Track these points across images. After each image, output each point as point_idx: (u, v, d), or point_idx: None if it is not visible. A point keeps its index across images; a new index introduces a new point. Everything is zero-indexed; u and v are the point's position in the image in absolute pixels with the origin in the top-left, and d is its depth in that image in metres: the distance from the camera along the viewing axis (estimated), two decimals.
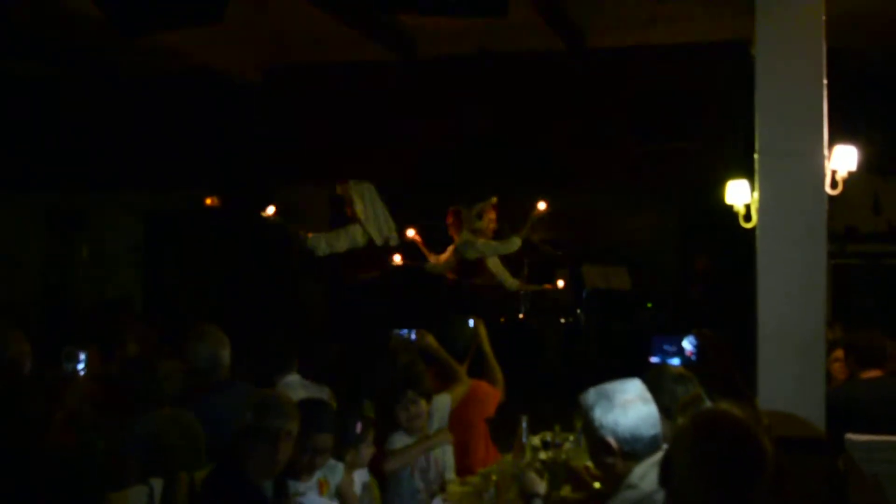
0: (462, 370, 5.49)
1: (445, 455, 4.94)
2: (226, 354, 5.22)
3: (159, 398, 4.69)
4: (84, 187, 12.48)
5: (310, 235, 8.63)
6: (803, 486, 4.58)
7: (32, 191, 12.59)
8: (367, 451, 4.39)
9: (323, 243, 8.64)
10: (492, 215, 8.84)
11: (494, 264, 8.74)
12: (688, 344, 3.87)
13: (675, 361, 4.03)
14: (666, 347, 4.04)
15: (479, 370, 5.73)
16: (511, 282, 8.78)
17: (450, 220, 9.73)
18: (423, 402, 4.73)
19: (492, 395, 5.59)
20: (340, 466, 4.23)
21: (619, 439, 3.18)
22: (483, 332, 5.89)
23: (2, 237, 12.63)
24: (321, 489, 4.10)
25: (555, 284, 8.61)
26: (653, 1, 6.57)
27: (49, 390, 4.28)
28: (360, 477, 4.43)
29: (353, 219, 8.71)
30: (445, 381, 5.29)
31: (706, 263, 10.38)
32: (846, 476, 4.86)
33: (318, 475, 4.11)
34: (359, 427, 4.33)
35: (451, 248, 8.96)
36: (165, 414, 4.61)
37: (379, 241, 8.72)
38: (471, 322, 5.88)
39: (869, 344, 5.72)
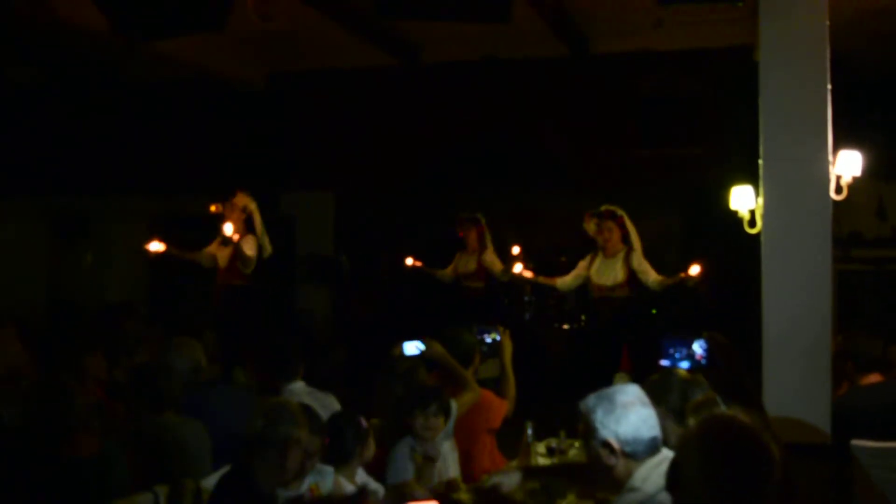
0: (472, 378, 5.47)
1: (447, 463, 4.93)
2: (202, 360, 5.33)
3: (171, 403, 4.72)
4: (88, 192, 12.51)
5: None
6: (809, 491, 4.58)
7: (37, 196, 12.61)
8: (372, 445, 4.41)
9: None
10: (604, 225, 8.67)
11: (639, 264, 8.64)
12: (698, 348, 3.86)
13: (685, 365, 4.03)
14: (676, 351, 4.03)
15: (496, 380, 5.72)
16: (654, 278, 8.67)
17: (468, 229, 9.77)
18: (441, 420, 4.73)
19: (497, 405, 5.56)
20: (330, 471, 4.20)
21: (620, 440, 3.22)
22: (508, 343, 5.87)
23: (6, 242, 12.65)
24: (312, 495, 4.08)
25: (688, 272, 8.47)
26: (656, 6, 6.57)
27: (55, 396, 4.27)
28: (361, 479, 4.41)
29: (250, 230, 8.80)
30: (452, 387, 5.28)
31: (707, 269, 10.35)
32: (852, 482, 4.85)
33: (308, 481, 4.08)
34: (363, 423, 4.35)
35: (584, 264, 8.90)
36: (169, 419, 4.61)
37: (265, 254, 8.78)
38: (497, 334, 5.87)
39: (868, 350, 5.70)
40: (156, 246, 8.62)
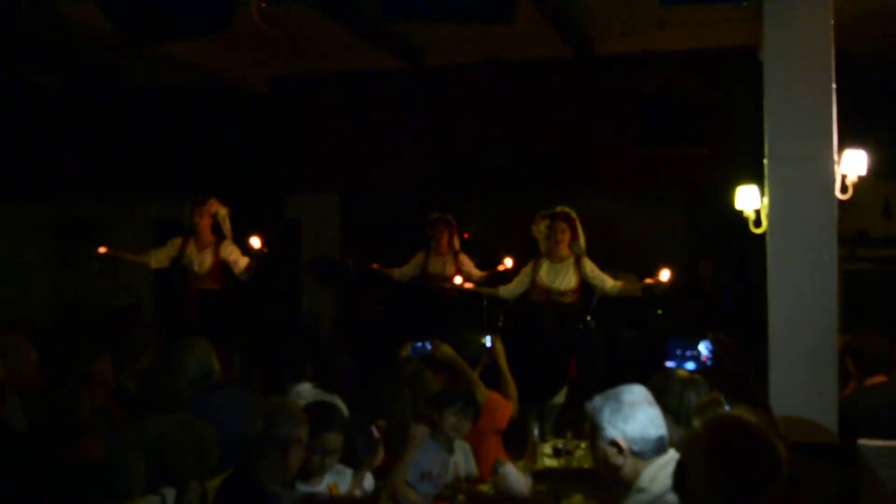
0: (479, 380, 5.49)
1: (468, 461, 4.95)
2: (215, 362, 5.34)
3: (180, 403, 4.74)
4: (94, 196, 12.53)
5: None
6: (816, 491, 4.58)
7: (42, 199, 12.63)
8: (381, 453, 4.43)
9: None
10: (557, 227, 8.47)
11: (592, 269, 8.55)
12: (704, 348, 3.86)
13: (691, 366, 4.03)
14: (682, 352, 4.03)
15: (492, 384, 5.73)
16: (612, 284, 8.45)
17: (440, 230, 9.66)
18: (469, 424, 4.78)
19: (504, 406, 5.58)
20: (349, 473, 4.23)
21: (627, 439, 3.24)
22: (500, 347, 5.88)
23: (12, 246, 12.68)
24: (330, 493, 4.11)
25: (657, 278, 8.33)
26: (660, 7, 6.57)
27: (61, 400, 4.28)
28: (367, 482, 4.43)
29: (221, 237, 8.78)
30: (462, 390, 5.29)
31: (711, 268, 10.34)
32: (859, 481, 4.85)
33: (327, 480, 4.12)
34: (375, 432, 4.37)
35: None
36: (171, 419, 4.61)
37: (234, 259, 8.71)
38: (488, 339, 5.87)
39: (873, 350, 5.68)
40: (102, 249, 8.60)
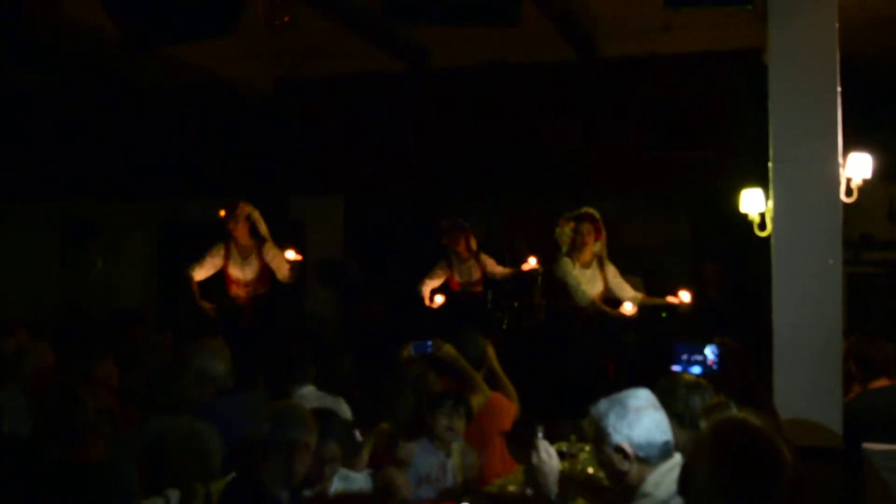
0: (482, 381, 5.48)
1: (466, 461, 4.93)
2: (228, 365, 5.33)
3: (186, 405, 4.74)
4: (98, 198, 12.55)
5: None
6: (821, 494, 4.57)
7: (47, 201, 12.65)
8: (364, 457, 4.42)
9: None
10: (583, 229, 8.33)
11: (614, 275, 8.46)
12: (710, 352, 3.86)
13: (697, 370, 4.02)
14: (687, 356, 4.03)
15: (491, 387, 5.73)
16: (633, 296, 8.29)
17: (455, 236, 9.57)
18: (463, 423, 4.73)
19: (508, 407, 5.58)
20: (354, 477, 4.22)
21: (633, 444, 3.21)
22: (491, 351, 5.87)
23: (17, 248, 12.69)
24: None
25: (679, 298, 8.14)
26: (664, 10, 6.57)
27: (64, 401, 4.28)
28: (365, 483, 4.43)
29: (260, 239, 8.80)
30: (462, 390, 5.28)
31: (715, 271, 10.32)
32: (864, 485, 4.84)
33: (336, 486, 4.10)
34: (358, 435, 4.35)
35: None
36: (174, 421, 4.61)
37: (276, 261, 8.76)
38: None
39: (875, 353, 5.66)
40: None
